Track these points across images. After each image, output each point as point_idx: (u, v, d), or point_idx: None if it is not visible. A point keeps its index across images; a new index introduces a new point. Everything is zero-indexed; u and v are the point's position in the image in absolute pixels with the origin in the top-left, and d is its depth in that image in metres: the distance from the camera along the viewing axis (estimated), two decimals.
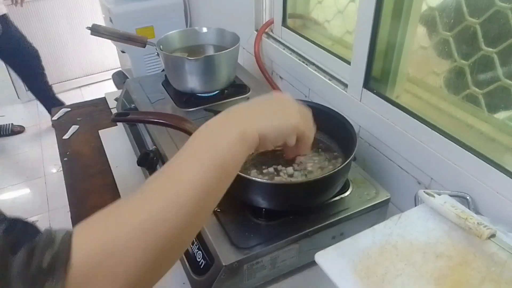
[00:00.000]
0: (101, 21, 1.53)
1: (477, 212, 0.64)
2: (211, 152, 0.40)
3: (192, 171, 0.38)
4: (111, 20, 1.47)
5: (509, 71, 0.61)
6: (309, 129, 0.53)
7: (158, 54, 1.00)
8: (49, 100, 2.48)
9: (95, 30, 1.00)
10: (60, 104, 2.47)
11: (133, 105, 1.03)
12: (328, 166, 0.75)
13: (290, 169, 0.72)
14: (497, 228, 0.55)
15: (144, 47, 1.02)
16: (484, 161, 0.63)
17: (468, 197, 0.64)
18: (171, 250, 0.37)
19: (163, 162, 0.84)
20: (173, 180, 0.38)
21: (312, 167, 0.74)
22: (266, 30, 1.17)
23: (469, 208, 0.63)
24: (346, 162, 0.64)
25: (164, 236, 0.36)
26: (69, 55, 2.88)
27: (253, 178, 0.64)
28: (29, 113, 2.86)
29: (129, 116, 0.79)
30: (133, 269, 0.34)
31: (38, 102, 2.91)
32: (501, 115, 0.66)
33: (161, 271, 0.38)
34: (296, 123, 0.50)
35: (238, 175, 0.64)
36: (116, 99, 1.19)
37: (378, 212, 0.71)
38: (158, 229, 0.35)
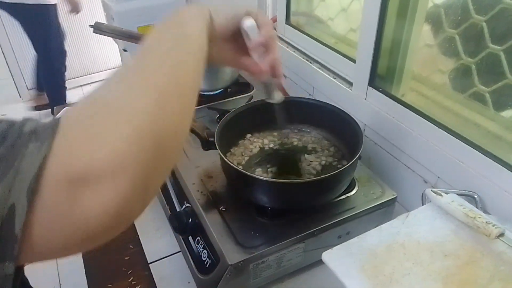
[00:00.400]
0: (102, 20, 1.52)
1: (485, 211, 0.63)
2: (176, 28, 0.41)
3: (163, 49, 0.38)
4: (112, 18, 1.47)
5: None
6: (263, 15, 0.51)
7: None
8: (56, 100, 2.50)
9: (98, 28, 0.99)
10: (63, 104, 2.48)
11: None
12: (333, 165, 0.74)
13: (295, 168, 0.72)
14: (505, 227, 0.55)
15: None
16: (492, 159, 0.62)
17: (475, 196, 0.64)
18: (173, 112, 0.34)
19: None
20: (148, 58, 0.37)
21: (317, 165, 0.74)
22: None
23: (476, 207, 0.63)
24: (352, 161, 0.64)
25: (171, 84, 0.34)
26: (70, 54, 2.87)
27: (258, 177, 0.64)
28: (31, 112, 2.86)
29: None
30: (134, 120, 0.30)
31: None
32: (508, 113, 0.66)
33: (160, 152, 0.32)
34: (245, 7, 0.49)
35: (242, 174, 0.64)
36: None
37: (384, 211, 0.71)
38: (170, 82, 0.34)
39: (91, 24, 1.00)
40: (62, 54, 2.44)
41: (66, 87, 2.53)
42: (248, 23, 0.48)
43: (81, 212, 0.26)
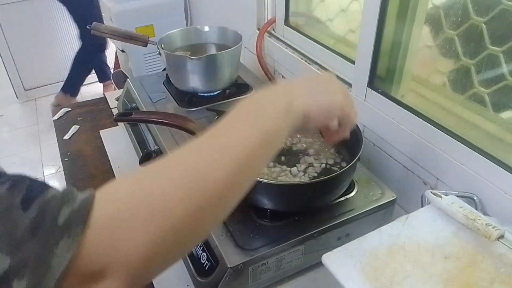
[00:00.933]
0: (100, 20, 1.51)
1: (485, 213, 0.63)
2: (258, 118, 0.40)
3: (238, 133, 0.37)
4: (110, 19, 1.46)
5: None
6: (353, 111, 0.52)
7: (159, 53, 0.99)
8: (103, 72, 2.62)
9: (97, 29, 0.99)
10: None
11: (134, 104, 1.02)
12: (333, 167, 0.74)
13: (294, 170, 0.71)
14: (505, 229, 0.55)
15: (146, 46, 1.01)
16: (491, 161, 0.62)
17: (475, 198, 0.64)
18: (209, 211, 0.34)
19: None
20: (219, 139, 0.37)
21: (318, 167, 0.74)
22: (268, 29, 1.16)
23: (476, 209, 0.62)
24: (352, 163, 0.64)
25: (206, 191, 0.33)
26: (67, 54, 2.87)
27: (258, 179, 0.64)
28: (28, 113, 2.85)
29: (132, 116, 0.78)
30: (167, 224, 0.31)
31: (37, 102, 2.90)
32: (508, 114, 0.66)
33: (193, 235, 0.35)
34: (341, 103, 0.49)
35: None
36: (117, 99, 1.18)
37: (384, 212, 0.71)
38: (201, 182, 0.33)
39: (89, 25, 0.99)
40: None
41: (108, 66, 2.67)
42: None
43: None
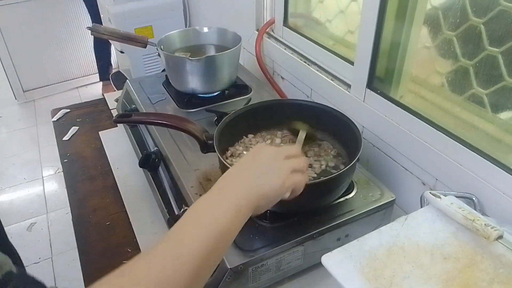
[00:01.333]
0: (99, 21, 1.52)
1: (483, 213, 0.63)
2: (210, 223, 0.44)
3: (193, 239, 0.42)
4: (109, 20, 1.46)
5: None
6: (300, 180, 0.54)
7: (159, 54, 0.99)
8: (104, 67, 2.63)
9: (95, 30, 0.99)
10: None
11: (133, 105, 1.02)
12: (333, 168, 0.74)
13: None
14: (504, 229, 0.55)
15: (145, 47, 1.01)
16: (490, 161, 0.63)
17: (474, 198, 0.64)
18: None
19: (165, 164, 0.84)
20: (177, 244, 0.42)
21: (317, 168, 0.74)
22: (267, 30, 1.16)
23: (475, 209, 0.63)
24: (351, 164, 0.64)
25: None
26: (67, 55, 2.86)
27: None
28: (26, 114, 2.84)
29: (131, 117, 0.78)
30: None
31: (35, 103, 2.89)
32: (506, 115, 0.66)
33: None
34: (287, 185, 0.51)
35: None
36: (116, 100, 1.18)
37: (383, 213, 0.71)
38: (169, 285, 0.39)
39: (89, 26, 0.99)
40: None
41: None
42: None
43: None
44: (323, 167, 0.74)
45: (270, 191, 0.50)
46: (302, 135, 0.74)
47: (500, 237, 0.53)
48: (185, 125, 0.72)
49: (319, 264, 0.55)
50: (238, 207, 0.46)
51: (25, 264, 1.69)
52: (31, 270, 1.70)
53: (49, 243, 1.80)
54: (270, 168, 0.51)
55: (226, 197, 0.47)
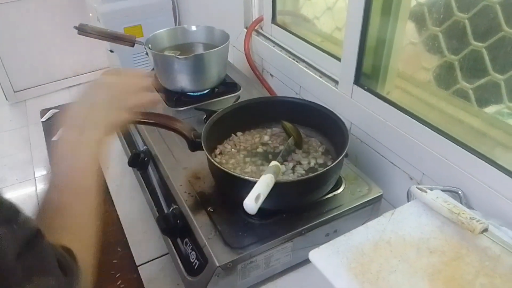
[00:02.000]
0: (88, 21, 1.50)
1: (469, 206, 0.64)
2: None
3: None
4: (98, 19, 1.45)
5: (498, 65, 0.62)
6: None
7: (147, 53, 0.99)
8: None
9: (82, 30, 0.98)
10: None
11: None
12: (321, 164, 0.75)
13: (282, 168, 0.72)
14: (489, 222, 0.55)
15: (133, 46, 1.00)
16: (476, 155, 0.63)
17: (460, 192, 0.65)
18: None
19: (154, 163, 0.83)
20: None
21: (304, 165, 0.74)
22: (256, 27, 1.16)
23: (461, 203, 0.63)
24: (338, 160, 0.64)
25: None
26: (57, 55, 2.83)
27: (246, 177, 0.64)
28: (17, 114, 2.81)
29: None
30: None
31: (27, 103, 2.86)
32: (491, 109, 0.66)
33: None
34: (107, 101, 0.55)
35: (229, 174, 0.64)
36: None
37: (371, 208, 0.71)
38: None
39: (76, 25, 0.98)
40: None
41: None
42: None
43: None
44: (312, 164, 0.74)
45: (102, 110, 0.54)
46: (291, 141, 0.75)
47: (485, 230, 0.53)
48: (173, 124, 0.72)
49: (309, 260, 0.55)
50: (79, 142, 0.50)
51: None
52: None
53: None
54: (90, 96, 0.55)
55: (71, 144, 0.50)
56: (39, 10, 2.67)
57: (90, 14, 1.61)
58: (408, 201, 0.64)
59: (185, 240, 0.68)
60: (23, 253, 0.33)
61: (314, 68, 0.96)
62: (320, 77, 0.93)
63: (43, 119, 1.16)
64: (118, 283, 0.71)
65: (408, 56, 0.79)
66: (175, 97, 0.98)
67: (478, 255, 0.53)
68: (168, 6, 1.55)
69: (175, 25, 1.63)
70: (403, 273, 0.51)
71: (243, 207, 0.53)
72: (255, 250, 0.62)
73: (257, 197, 0.54)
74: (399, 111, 0.75)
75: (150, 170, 0.84)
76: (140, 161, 0.85)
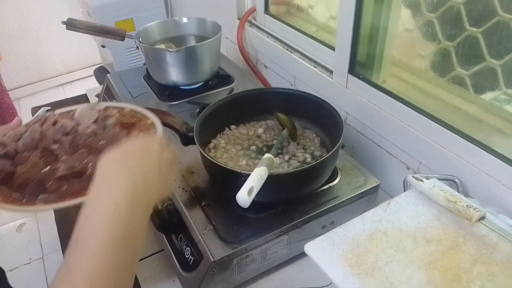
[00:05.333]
0: (79, 15, 1.48)
1: (467, 194, 0.63)
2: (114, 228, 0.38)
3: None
4: (89, 14, 1.43)
5: (494, 51, 0.60)
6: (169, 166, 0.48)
7: (137, 47, 0.97)
8: None
9: (71, 25, 0.96)
10: None
11: (114, 100, 1.00)
12: (315, 156, 0.74)
13: (277, 160, 0.71)
14: (486, 210, 0.55)
15: (123, 40, 0.98)
16: (472, 143, 0.62)
17: (457, 180, 0.64)
18: None
19: None
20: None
21: (300, 157, 0.73)
22: (249, 18, 1.14)
23: (458, 191, 0.63)
24: (332, 151, 0.63)
25: None
26: (49, 51, 2.80)
27: (240, 170, 0.63)
28: None
29: None
30: None
31: (20, 102, 2.83)
32: (488, 95, 0.65)
33: None
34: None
35: (223, 168, 0.63)
36: (97, 95, 1.16)
37: (368, 199, 0.70)
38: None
39: (64, 20, 0.97)
40: None
41: None
42: None
43: None
44: (307, 156, 0.73)
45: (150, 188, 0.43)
46: (285, 133, 0.74)
47: (482, 218, 0.53)
48: (164, 118, 0.70)
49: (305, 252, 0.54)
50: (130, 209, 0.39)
51: (16, 265, 1.68)
52: (22, 271, 1.68)
53: (39, 243, 1.78)
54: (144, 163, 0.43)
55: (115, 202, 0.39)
56: (28, 6, 2.64)
57: (81, 9, 1.58)
58: (404, 190, 0.64)
59: (179, 236, 0.68)
60: None
61: (309, 58, 0.95)
62: (315, 67, 0.92)
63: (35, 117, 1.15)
64: None
65: (403, 44, 0.78)
66: (168, 91, 0.96)
67: (475, 243, 0.53)
68: None
69: (167, 17, 1.61)
70: (399, 263, 0.51)
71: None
72: (251, 244, 0.61)
73: (250, 190, 0.53)
74: (395, 100, 0.73)
75: None
76: None
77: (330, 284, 0.64)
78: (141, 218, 0.41)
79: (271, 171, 0.60)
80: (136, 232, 0.39)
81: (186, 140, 0.70)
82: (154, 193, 0.43)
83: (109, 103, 0.61)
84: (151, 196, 0.43)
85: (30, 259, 1.70)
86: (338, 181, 0.71)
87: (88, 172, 0.48)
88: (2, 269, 0.64)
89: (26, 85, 2.86)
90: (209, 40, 0.94)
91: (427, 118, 0.68)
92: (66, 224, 0.82)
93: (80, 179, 0.48)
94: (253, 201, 0.65)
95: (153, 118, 0.58)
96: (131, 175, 0.41)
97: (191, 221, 0.64)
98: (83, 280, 0.34)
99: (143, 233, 0.40)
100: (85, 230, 0.38)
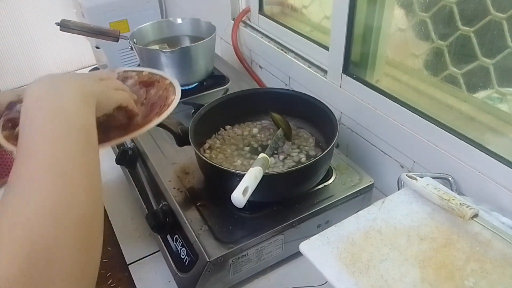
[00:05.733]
0: (73, 16, 1.47)
1: (460, 192, 0.64)
2: (61, 122, 0.37)
3: (59, 148, 0.35)
4: (82, 15, 1.42)
5: (487, 50, 0.61)
6: (125, 96, 0.51)
7: (132, 48, 0.97)
8: None
9: (65, 26, 0.96)
10: None
11: None
12: (310, 155, 0.74)
13: (272, 160, 0.71)
14: (480, 208, 0.55)
15: (117, 41, 0.98)
16: (465, 141, 0.63)
17: (450, 178, 0.64)
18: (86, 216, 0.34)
19: (143, 160, 0.82)
20: (59, 167, 0.34)
21: (295, 157, 0.73)
22: (243, 18, 1.14)
23: (451, 189, 0.63)
24: (327, 150, 0.63)
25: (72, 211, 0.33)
26: (43, 53, 2.78)
27: (234, 171, 0.63)
28: None
29: None
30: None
31: None
32: (481, 94, 0.66)
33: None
34: (115, 95, 0.48)
35: (218, 168, 0.63)
36: None
37: (363, 198, 0.71)
38: (63, 208, 0.32)
39: (57, 22, 0.96)
40: None
41: None
42: None
43: None
44: (302, 155, 0.73)
45: (102, 88, 0.46)
46: (280, 133, 0.74)
47: (476, 215, 0.53)
48: None
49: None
50: (82, 95, 0.40)
51: None
52: None
53: None
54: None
55: (62, 90, 0.39)
56: (23, 7, 2.62)
57: (75, 10, 1.58)
58: (398, 189, 0.64)
59: (175, 237, 0.68)
60: None
61: (303, 58, 0.95)
62: (309, 67, 0.92)
63: None
64: (109, 282, 0.70)
65: (397, 43, 0.78)
66: None
67: (468, 240, 0.53)
68: None
69: (162, 18, 1.60)
70: (393, 261, 0.51)
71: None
72: (246, 244, 0.61)
73: (245, 190, 0.53)
74: (389, 99, 0.74)
75: (139, 167, 0.83)
76: (128, 158, 0.84)
77: (325, 283, 0.64)
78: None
79: (266, 171, 0.60)
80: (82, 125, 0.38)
81: (181, 141, 0.70)
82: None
83: (128, 68, 0.65)
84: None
85: None
86: (333, 181, 0.71)
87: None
88: None
89: (19, 86, 2.84)
90: (203, 41, 0.94)
91: (421, 117, 0.69)
92: None
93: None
94: (248, 201, 0.65)
95: (171, 78, 0.62)
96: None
97: (186, 222, 0.64)
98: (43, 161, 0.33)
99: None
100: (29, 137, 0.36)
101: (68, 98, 0.38)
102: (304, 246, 0.54)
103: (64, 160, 0.35)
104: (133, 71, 0.63)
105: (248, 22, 1.15)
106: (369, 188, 0.71)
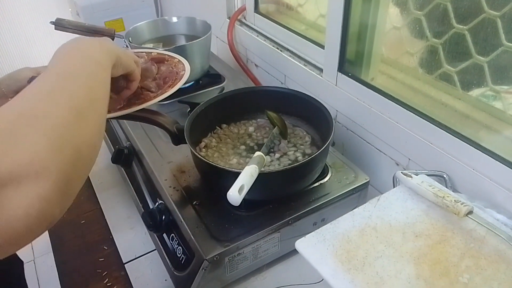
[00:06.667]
0: (68, 15, 1.47)
1: (455, 190, 0.64)
2: (87, 57, 0.43)
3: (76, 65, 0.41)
4: (78, 14, 1.42)
5: (481, 47, 0.61)
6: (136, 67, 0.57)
7: (127, 47, 0.96)
8: None
9: (60, 25, 0.95)
10: None
11: None
12: (306, 154, 0.74)
13: (268, 158, 0.71)
14: (474, 205, 0.55)
15: (113, 40, 0.97)
16: (460, 139, 0.63)
17: (445, 176, 0.64)
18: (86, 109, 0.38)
19: (138, 158, 0.82)
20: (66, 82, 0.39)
21: (291, 155, 0.73)
22: (239, 17, 1.14)
23: (446, 187, 0.63)
24: (322, 148, 0.63)
25: (74, 95, 0.37)
26: (38, 53, 2.77)
27: (229, 169, 0.63)
28: None
29: None
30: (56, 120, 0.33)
31: None
32: (475, 92, 0.66)
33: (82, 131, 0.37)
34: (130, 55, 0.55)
35: (214, 167, 0.63)
36: None
37: (358, 195, 0.71)
38: (69, 91, 0.37)
39: (52, 21, 0.96)
40: None
41: None
42: None
43: (5, 214, 0.28)
44: (298, 154, 0.74)
45: (123, 51, 0.52)
46: (275, 131, 0.74)
47: (470, 212, 0.53)
48: (155, 118, 0.70)
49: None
50: (104, 47, 0.47)
51: None
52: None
53: (30, 245, 1.76)
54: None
55: (91, 43, 0.47)
56: (17, 7, 2.61)
57: (70, 9, 1.57)
58: (394, 186, 0.64)
59: (171, 235, 0.68)
60: None
61: (299, 57, 0.95)
62: (305, 65, 0.92)
63: None
64: (105, 281, 0.70)
65: (392, 41, 0.78)
66: None
67: (463, 237, 0.53)
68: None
69: (158, 17, 1.60)
70: (389, 258, 0.51)
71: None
72: (242, 242, 0.62)
73: (241, 188, 0.54)
74: (384, 97, 0.74)
75: (134, 166, 0.83)
76: (123, 157, 0.84)
77: (321, 280, 0.64)
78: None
79: (262, 169, 0.60)
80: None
81: (177, 139, 0.70)
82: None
83: (137, 49, 0.72)
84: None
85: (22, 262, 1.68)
86: (329, 179, 0.72)
87: None
88: (21, 261, 0.67)
89: None
90: (199, 40, 0.93)
91: (416, 115, 0.69)
92: (56, 225, 0.82)
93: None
94: (244, 199, 0.65)
95: (179, 57, 0.71)
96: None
97: (182, 220, 0.64)
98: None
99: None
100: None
101: (92, 47, 0.45)
102: (300, 244, 0.54)
103: (75, 73, 0.40)
104: (143, 51, 0.70)
105: (243, 20, 1.15)
106: (365, 185, 0.71)
